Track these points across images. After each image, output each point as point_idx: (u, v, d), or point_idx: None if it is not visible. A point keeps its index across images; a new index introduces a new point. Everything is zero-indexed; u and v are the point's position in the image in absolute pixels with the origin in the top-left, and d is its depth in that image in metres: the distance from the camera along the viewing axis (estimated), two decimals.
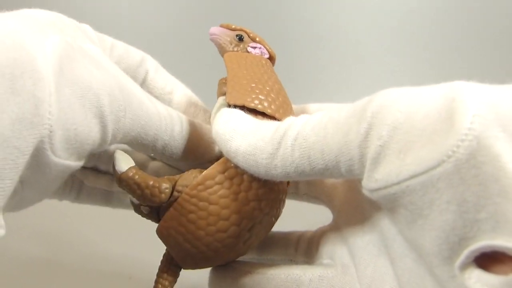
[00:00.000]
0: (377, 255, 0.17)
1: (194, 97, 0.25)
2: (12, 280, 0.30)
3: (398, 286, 0.16)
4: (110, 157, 0.23)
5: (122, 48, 0.23)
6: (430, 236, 0.14)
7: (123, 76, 0.19)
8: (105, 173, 0.24)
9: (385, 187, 0.14)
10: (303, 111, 0.23)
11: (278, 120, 0.19)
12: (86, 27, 0.21)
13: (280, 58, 0.65)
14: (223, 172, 0.18)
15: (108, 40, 0.23)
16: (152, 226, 0.20)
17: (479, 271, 0.13)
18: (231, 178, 0.18)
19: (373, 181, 0.15)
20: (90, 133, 0.17)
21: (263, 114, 0.19)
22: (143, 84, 0.24)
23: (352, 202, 0.20)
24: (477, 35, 0.58)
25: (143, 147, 0.20)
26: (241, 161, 0.17)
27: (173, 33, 0.61)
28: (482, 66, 0.57)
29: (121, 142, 0.19)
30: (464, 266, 0.13)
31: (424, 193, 0.13)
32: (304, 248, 0.21)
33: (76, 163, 0.17)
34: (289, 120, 0.17)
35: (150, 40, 0.61)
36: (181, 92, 0.24)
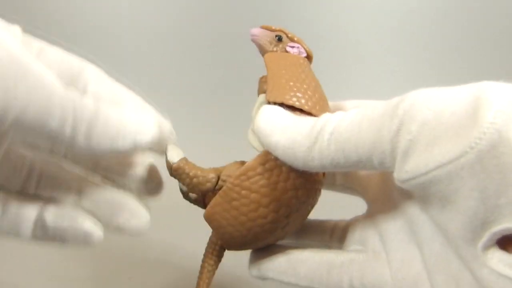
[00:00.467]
0: (407, 241, 0.19)
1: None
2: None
3: (425, 269, 0.18)
4: (39, 178, 0.20)
5: (54, 53, 0.20)
6: (456, 220, 0.15)
7: (24, 54, 0.16)
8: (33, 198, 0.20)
9: (414, 178, 0.16)
10: (338, 108, 0.24)
11: (315, 115, 0.20)
12: (14, 28, 0.19)
13: None
14: (264, 164, 0.20)
15: (37, 44, 0.20)
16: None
17: (501, 252, 0.15)
18: (271, 170, 0.20)
19: (403, 172, 0.16)
20: None
21: (300, 110, 0.20)
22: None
23: (384, 192, 0.21)
24: (477, 35, 0.58)
25: (49, 139, 0.17)
26: (280, 154, 0.19)
27: (173, 33, 0.61)
28: (482, 66, 0.57)
29: (18, 130, 0.16)
30: (486, 247, 0.15)
31: (449, 182, 0.15)
32: (339, 235, 0.23)
33: None
34: (325, 116, 0.18)
35: (150, 40, 0.61)
36: (132, 104, 0.21)
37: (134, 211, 0.21)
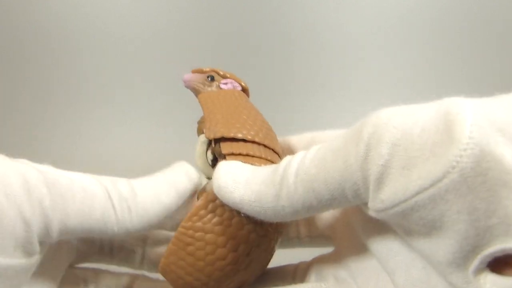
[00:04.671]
0: (378, 271, 0.18)
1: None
2: None
3: None
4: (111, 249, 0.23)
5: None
6: (444, 246, 0.14)
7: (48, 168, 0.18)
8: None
9: (392, 207, 0.14)
10: (287, 144, 0.23)
11: (259, 143, 0.19)
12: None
13: (282, 60, 0.64)
14: (214, 200, 0.19)
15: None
16: None
17: (493, 275, 0.14)
18: (222, 205, 0.18)
19: (379, 202, 0.15)
20: (3, 220, 0.15)
21: (244, 141, 0.19)
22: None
23: (349, 229, 0.20)
24: (477, 35, 0.58)
25: (98, 232, 0.18)
26: (247, 210, 0.17)
27: (173, 33, 0.61)
28: (483, 66, 0.57)
29: (67, 230, 0.17)
30: (478, 271, 0.14)
31: (433, 206, 0.13)
32: (301, 276, 0.21)
33: (8, 260, 0.16)
34: (286, 159, 0.17)
35: (150, 40, 0.61)
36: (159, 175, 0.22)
37: None
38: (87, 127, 0.60)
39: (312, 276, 0.20)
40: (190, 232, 0.19)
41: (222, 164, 0.18)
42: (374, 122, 0.15)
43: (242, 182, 0.17)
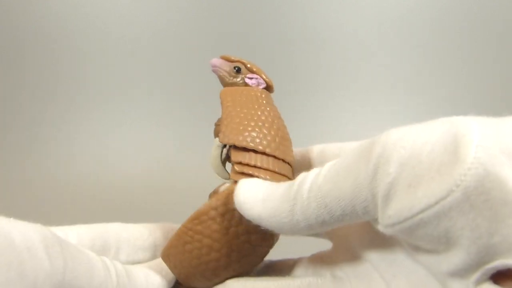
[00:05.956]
0: (370, 277, 0.18)
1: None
2: None
3: None
4: None
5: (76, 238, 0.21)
6: (447, 261, 0.15)
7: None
8: None
9: (399, 222, 0.15)
10: (304, 154, 0.24)
11: (269, 154, 0.20)
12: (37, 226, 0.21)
13: (282, 60, 0.64)
14: (216, 209, 0.20)
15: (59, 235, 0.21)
16: None
17: (494, 287, 0.14)
18: (223, 214, 0.20)
19: (386, 217, 0.15)
20: (27, 271, 0.16)
21: (254, 151, 0.20)
22: None
23: (350, 228, 0.21)
24: (478, 35, 0.58)
25: None
26: (266, 225, 0.18)
27: (174, 33, 0.61)
28: (483, 66, 0.57)
29: None
30: (479, 282, 0.14)
31: (438, 223, 0.14)
32: (300, 270, 0.22)
33: None
34: (301, 176, 0.18)
35: (149, 39, 0.61)
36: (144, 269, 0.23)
37: None
38: (87, 127, 0.60)
39: (310, 271, 0.21)
40: (190, 233, 0.20)
41: (242, 182, 0.19)
42: (384, 142, 0.15)
43: (260, 199, 0.18)
